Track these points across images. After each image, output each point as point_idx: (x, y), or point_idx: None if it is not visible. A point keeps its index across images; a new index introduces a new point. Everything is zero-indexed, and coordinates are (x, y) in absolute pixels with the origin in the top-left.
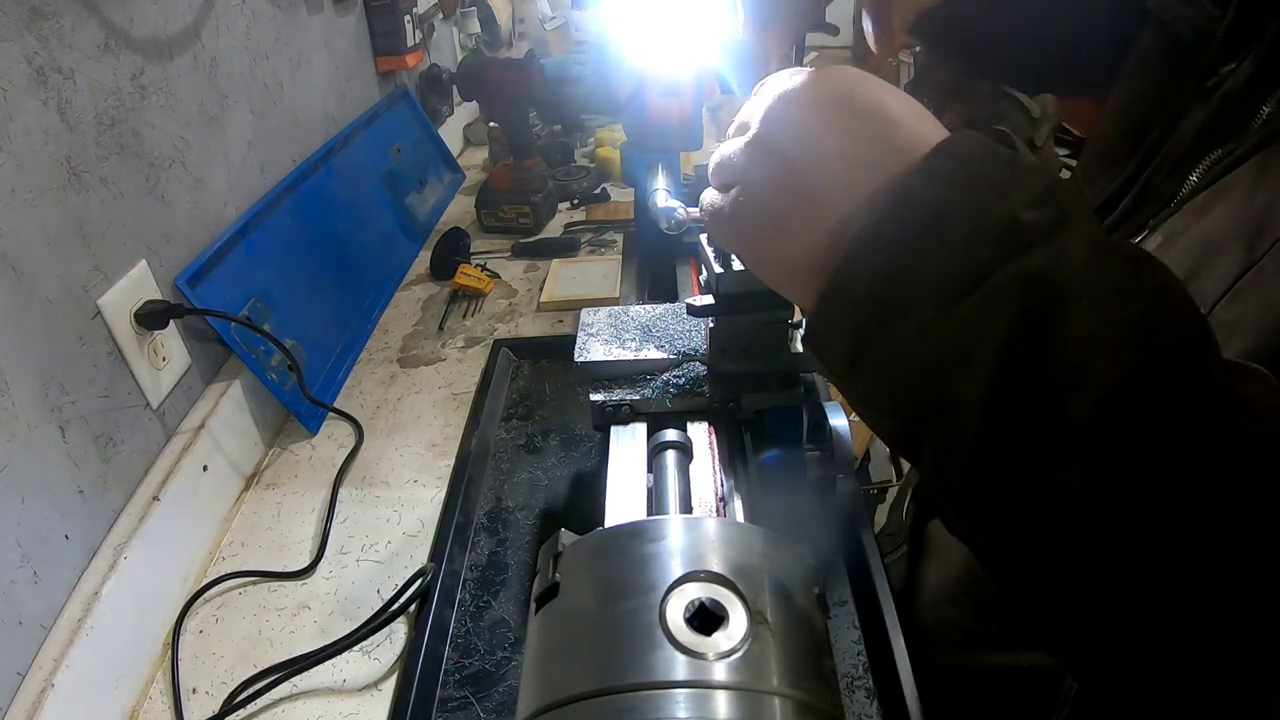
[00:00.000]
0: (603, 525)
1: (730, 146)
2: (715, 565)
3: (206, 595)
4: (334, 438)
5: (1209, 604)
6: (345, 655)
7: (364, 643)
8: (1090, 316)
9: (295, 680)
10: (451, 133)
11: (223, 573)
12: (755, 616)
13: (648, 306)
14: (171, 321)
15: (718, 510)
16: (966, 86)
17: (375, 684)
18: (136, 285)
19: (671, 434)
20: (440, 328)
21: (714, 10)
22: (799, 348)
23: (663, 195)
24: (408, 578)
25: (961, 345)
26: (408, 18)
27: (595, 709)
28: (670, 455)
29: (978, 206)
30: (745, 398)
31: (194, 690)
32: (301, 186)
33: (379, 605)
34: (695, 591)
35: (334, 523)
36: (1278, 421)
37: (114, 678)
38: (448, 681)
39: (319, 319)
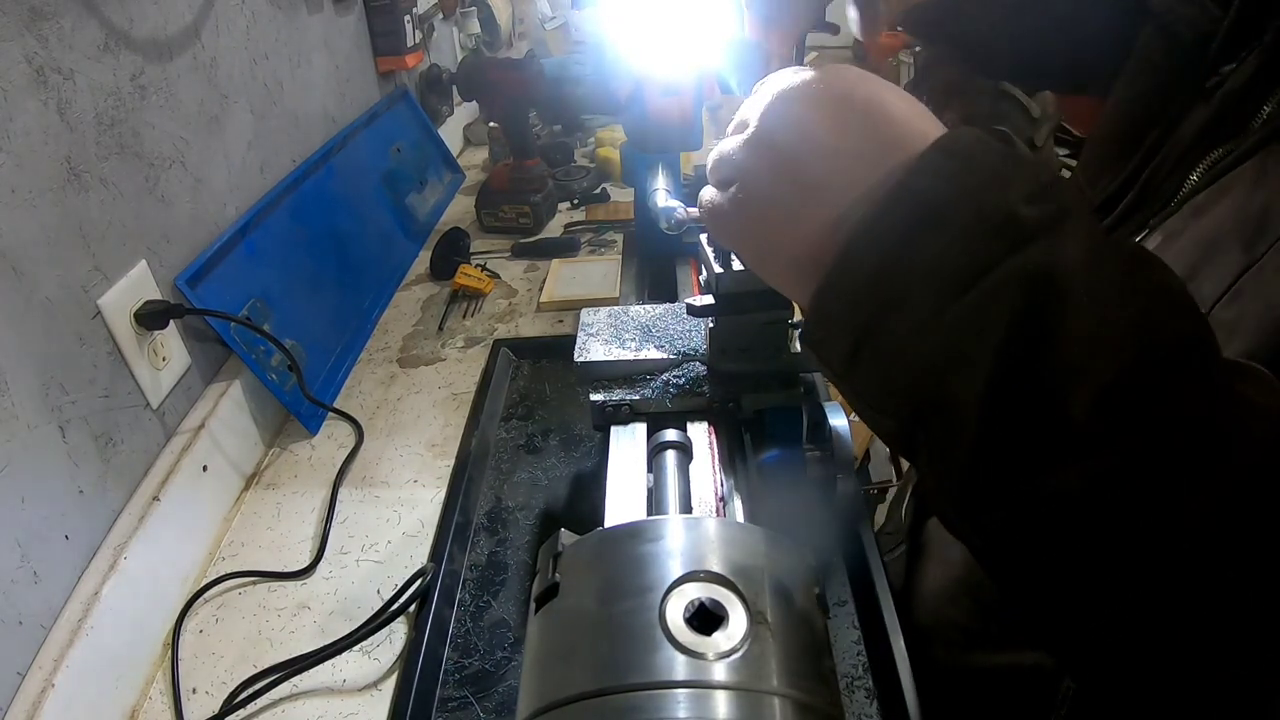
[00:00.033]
0: (602, 525)
1: (729, 144)
2: (715, 565)
3: (206, 595)
4: (334, 438)
5: (1209, 604)
6: (345, 655)
7: (364, 643)
8: (1090, 315)
9: (295, 680)
10: (451, 133)
11: (223, 573)
12: (755, 616)
13: (648, 306)
14: (171, 321)
15: (718, 510)
16: (966, 86)
17: (375, 684)
18: (136, 285)
19: (671, 434)
20: (440, 328)
21: (714, 10)
22: (799, 348)
23: (663, 195)
24: (408, 578)
25: (959, 343)
26: (408, 18)
27: (595, 709)
28: (670, 455)
29: (976, 201)
30: (745, 398)
31: (194, 690)
32: (301, 186)
33: (379, 605)
34: (695, 591)
35: (334, 523)
36: (1278, 421)
37: (114, 678)
38: (448, 681)
39: (319, 319)
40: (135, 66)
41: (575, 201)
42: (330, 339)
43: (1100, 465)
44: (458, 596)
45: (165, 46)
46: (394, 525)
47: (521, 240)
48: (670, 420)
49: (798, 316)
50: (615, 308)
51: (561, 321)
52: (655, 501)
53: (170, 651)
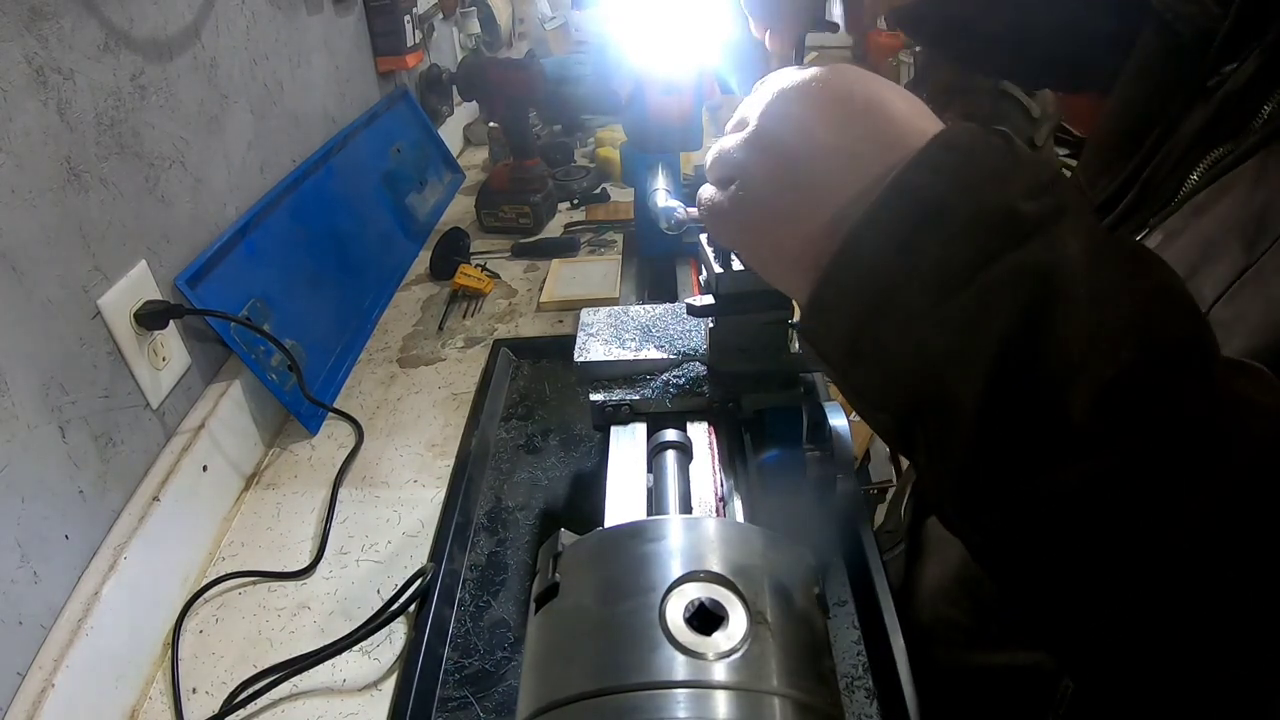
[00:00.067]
0: (602, 525)
1: (728, 142)
2: (715, 565)
3: (206, 595)
4: (334, 438)
5: (1208, 604)
6: (345, 655)
7: (364, 643)
8: (1089, 312)
9: (295, 680)
10: (451, 133)
11: (223, 573)
12: (755, 616)
13: (648, 306)
14: (171, 321)
15: (718, 510)
16: (966, 86)
17: (375, 684)
18: (136, 285)
19: (671, 434)
20: (440, 328)
21: (714, 10)
22: (799, 348)
23: (663, 195)
24: (408, 578)
25: (957, 339)
26: (408, 18)
27: (595, 709)
28: (670, 455)
29: (975, 196)
30: (745, 398)
31: (194, 690)
32: (301, 186)
33: (379, 605)
34: (695, 591)
35: (334, 523)
36: (1277, 420)
37: (114, 678)
38: (448, 681)
39: (319, 319)
40: (135, 66)
41: (575, 201)
42: (330, 339)
43: (1099, 464)
44: (458, 596)
45: (165, 46)
46: (394, 525)
47: (521, 240)
48: (670, 420)
49: (798, 316)
50: (615, 308)
51: (561, 321)
52: (655, 501)
53: (170, 651)
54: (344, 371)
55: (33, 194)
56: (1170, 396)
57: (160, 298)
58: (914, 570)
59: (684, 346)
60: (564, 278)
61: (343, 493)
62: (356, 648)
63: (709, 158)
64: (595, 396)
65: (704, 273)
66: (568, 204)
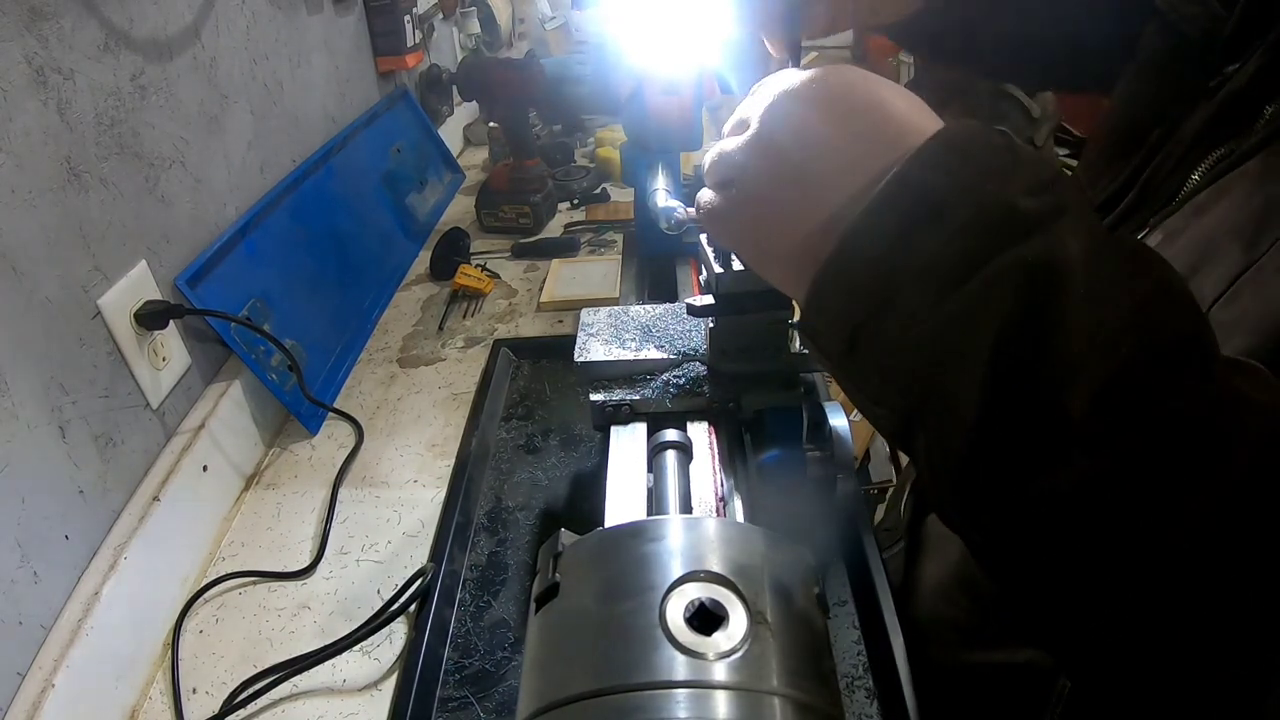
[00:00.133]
0: (603, 525)
1: (728, 144)
2: (715, 565)
3: (206, 595)
4: (334, 438)
5: (1207, 603)
6: (345, 655)
7: (364, 643)
8: (1089, 310)
9: (295, 680)
10: (451, 133)
11: (223, 573)
12: (755, 616)
13: (648, 306)
14: (171, 322)
15: (718, 510)
16: (966, 86)
17: (375, 684)
18: (136, 285)
19: (671, 434)
20: (440, 328)
21: (714, 10)
22: (799, 348)
23: (663, 195)
24: (408, 578)
25: (956, 335)
26: (408, 18)
27: (595, 709)
28: (670, 455)
29: (975, 193)
30: (745, 398)
31: (194, 690)
32: (301, 186)
33: (379, 605)
34: (695, 591)
35: (334, 523)
36: (1276, 418)
37: (114, 678)
38: (448, 681)
39: (319, 319)
40: (135, 66)
41: (575, 201)
42: (330, 339)
43: (1098, 464)
44: (458, 596)
45: (165, 46)
46: (394, 525)
47: (521, 240)
48: (670, 420)
49: (798, 316)
50: (615, 308)
51: (561, 321)
52: (655, 501)
53: (170, 651)
54: (344, 371)
55: (33, 194)
56: (1170, 395)
57: (160, 298)
58: (913, 568)
59: (684, 346)
60: (564, 278)
61: (343, 493)
62: (357, 648)
63: (707, 161)
64: (595, 396)
65: (704, 273)
66: (568, 204)
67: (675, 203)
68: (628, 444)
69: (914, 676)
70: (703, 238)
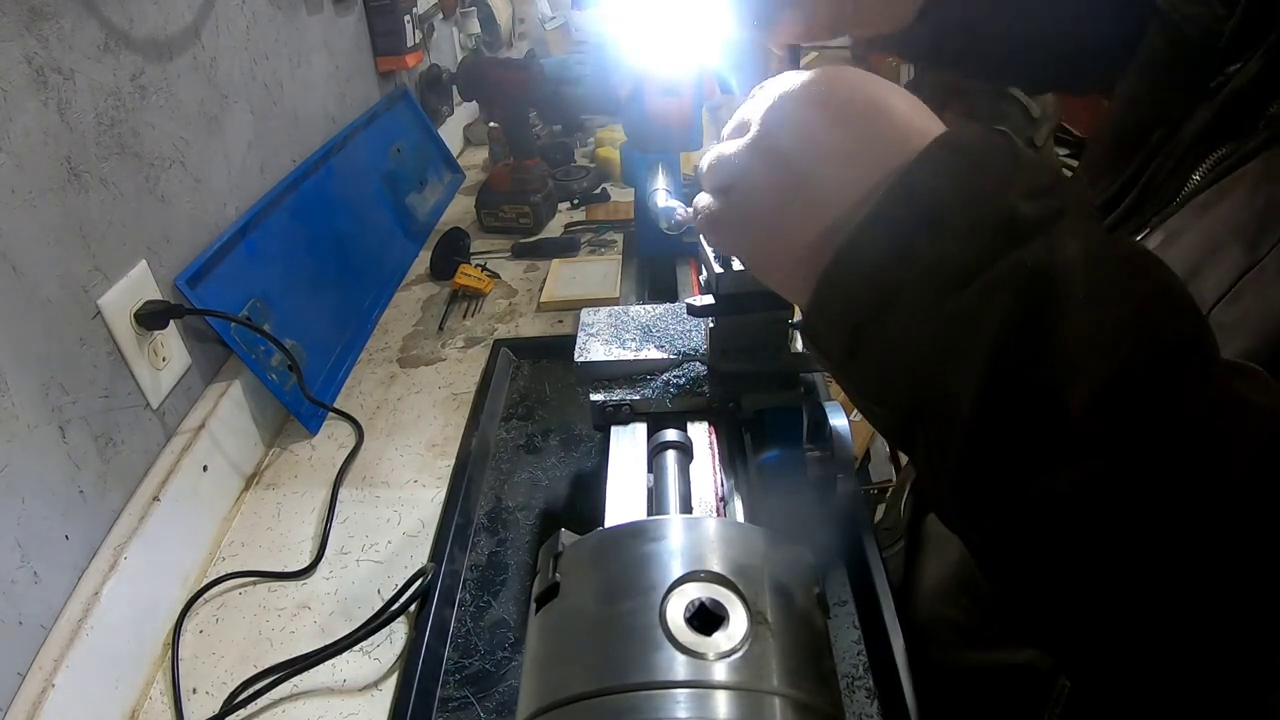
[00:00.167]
0: (603, 525)
1: (727, 148)
2: (715, 565)
3: (206, 595)
4: (334, 438)
5: (1207, 604)
6: (345, 655)
7: (364, 643)
8: (1087, 313)
9: (295, 680)
10: (451, 133)
11: (223, 573)
12: (755, 616)
13: (648, 306)
14: (171, 321)
15: (718, 510)
16: (966, 86)
17: (375, 684)
18: (136, 285)
19: (671, 434)
20: (440, 328)
21: (714, 10)
22: (799, 348)
23: (663, 195)
24: (408, 578)
25: (955, 337)
26: (408, 18)
27: (595, 709)
28: (670, 455)
29: (976, 198)
30: (745, 398)
31: (194, 690)
32: (301, 186)
33: (379, 605)
34: (695, 591)
35: (334, 523)
36: (1275, 420)
37: (114, 678)
38: (448, 681)
39: (319, 319)
40: (135, 66)
41: (575, 201)
42: (330, 339)
43: (1097, 465)
44: (458, 596)
45: (165, 46)
46: (394, 525)
47: (521, 240)
48: (670, 420)
49: (798, 316)
50: (615, 308)
51: (561, 321)
52: (655, 501)
53: (170, 651)
54: (344, 371)
55: (33, 194)
56: (1169, 396)
57: (160, 298)
58: (913, 568)
59: (684, 346)
60: (564, 278)
61: (343, 493)
62: (357, 648)
63: (704, 164)
64: (595, 396)
65: (704, 273)
66: (568, 204)
67: (675, 203)
68: (628, 444)
69: (914, 676)
70: (703, 237)
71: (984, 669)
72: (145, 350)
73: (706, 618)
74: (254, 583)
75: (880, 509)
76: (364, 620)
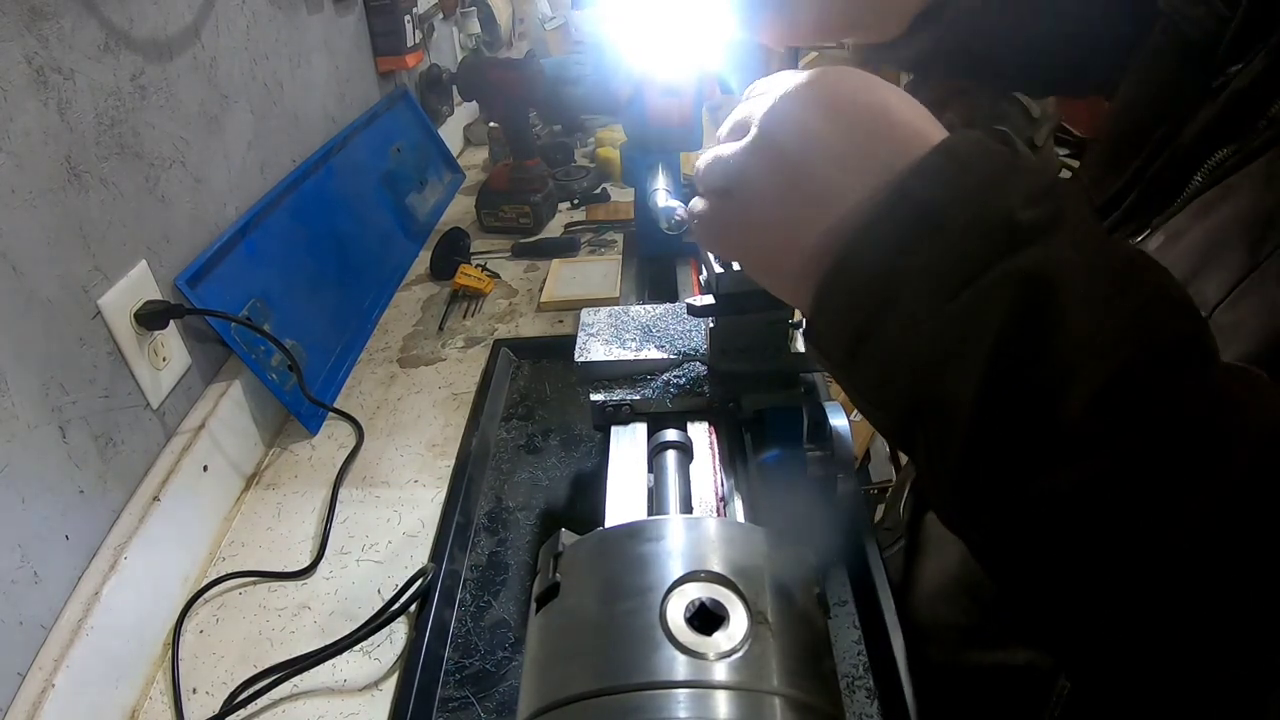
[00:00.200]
0: (603, 525)
1: (725, 150)
2: (715, 565)
3: (206, 595)
4: (334, 438)
5: (1207, 605)
6: (345, 655)
7: (364, 643)
8: (1085, 315)
9: (295, 680)
10: (451, 133)
11: (223, 573)
12: (755, 616)
13: (648, 306)
14: (171, 321)
15: (718, 510)
16: (966, 87)
17: (375, 684)
18: (136, 285)
19: (672, 434)
20: (440, 328)
21: (714, 10)
22: (799, 348)
23: (663, 195)
24: (408, 578)
25: (954, 341)
26: (408, 18)
27: (595, 709)
28: (670, 455)
29: (974, 204)
30: (745, 398)
31: (194, 690)
32: (301, 186)
33: (379, 605)
34: (695, 591)
35: (334, 523)
36: (1276, 423)
37: (114, 678)
38: (448, 681)
39: (319, 319)
40: (135, 66)
41: (575, 201)
42: (330, 339)
43: (1095, 466)
44: (458, 596)
45: (165, 46)
46: (394, 525)
47: (521, 240)
48: (670, 420)
49: (798, 316)
50: (615, 308)
51: (561, 321)
52: (656, 501)
53: (170, 651)
54: (344, 371)
55: (33, 194)
56: (1169, 396)
57: (160, 298)
58: (912, 568)
59: (684, 346)
60: (564, 278)
61: (343, 493)
62: (357, 648)
63: (700, 166)
64: (595, 396)
65: (704, 273)
66: (568, 204)
67: (675, 203)
68: (628, 444)
69: (914, 677)
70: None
71: (984, 669)
72: (145, 350)
73: (707, 618)
74: (254, 583)
75: (880, 509)
76: (364, 620)
